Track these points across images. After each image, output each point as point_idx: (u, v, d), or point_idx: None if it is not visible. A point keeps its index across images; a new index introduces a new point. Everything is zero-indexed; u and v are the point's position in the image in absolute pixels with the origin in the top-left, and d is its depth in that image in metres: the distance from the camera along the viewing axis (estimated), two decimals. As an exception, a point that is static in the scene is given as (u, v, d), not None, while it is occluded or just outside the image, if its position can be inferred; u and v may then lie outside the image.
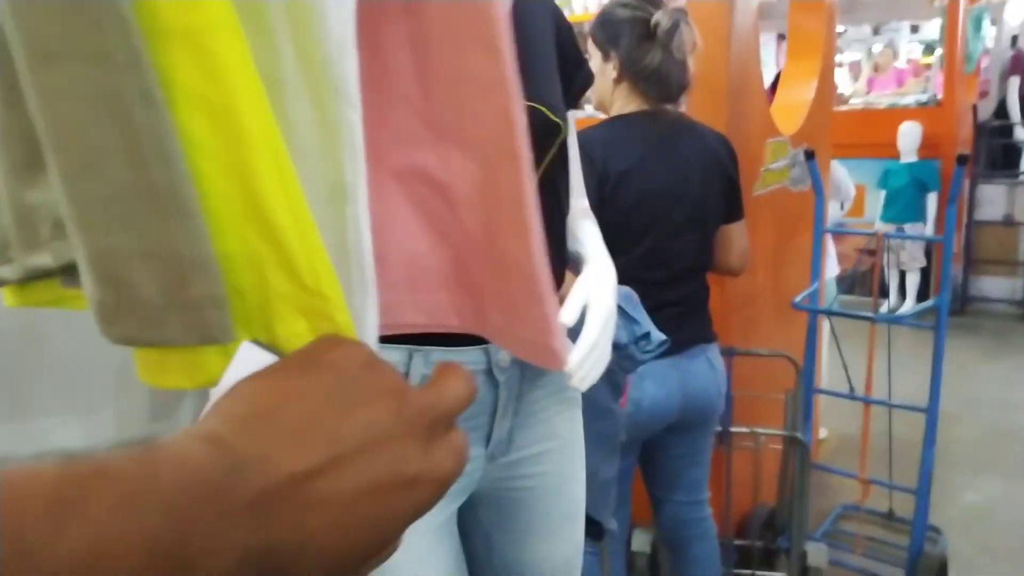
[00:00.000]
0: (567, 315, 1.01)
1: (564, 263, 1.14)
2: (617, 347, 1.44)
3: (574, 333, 1.05)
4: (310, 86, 0.41)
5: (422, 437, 0.38)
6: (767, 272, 2.61)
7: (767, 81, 3.79)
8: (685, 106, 1.98)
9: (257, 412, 0.35)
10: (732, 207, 1.95)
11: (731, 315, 2.37)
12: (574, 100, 1.18)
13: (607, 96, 1.88)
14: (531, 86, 1.04)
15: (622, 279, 1.77)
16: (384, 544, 0.37)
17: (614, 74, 1.84)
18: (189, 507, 0.31)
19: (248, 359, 0.40)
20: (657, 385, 1.80)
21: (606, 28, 1.84)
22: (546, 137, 1.03)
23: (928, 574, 2.38)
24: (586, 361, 1.00)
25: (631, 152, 1.79)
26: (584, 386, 1.01)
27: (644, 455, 1.99)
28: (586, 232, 1.19)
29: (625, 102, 1.86)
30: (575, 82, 1.16)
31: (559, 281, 1.12)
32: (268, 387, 0.37)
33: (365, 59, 0.45)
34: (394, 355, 1.00)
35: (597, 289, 1.06)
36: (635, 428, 1.80)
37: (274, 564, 0.33)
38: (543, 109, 1.01)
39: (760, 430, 2.30)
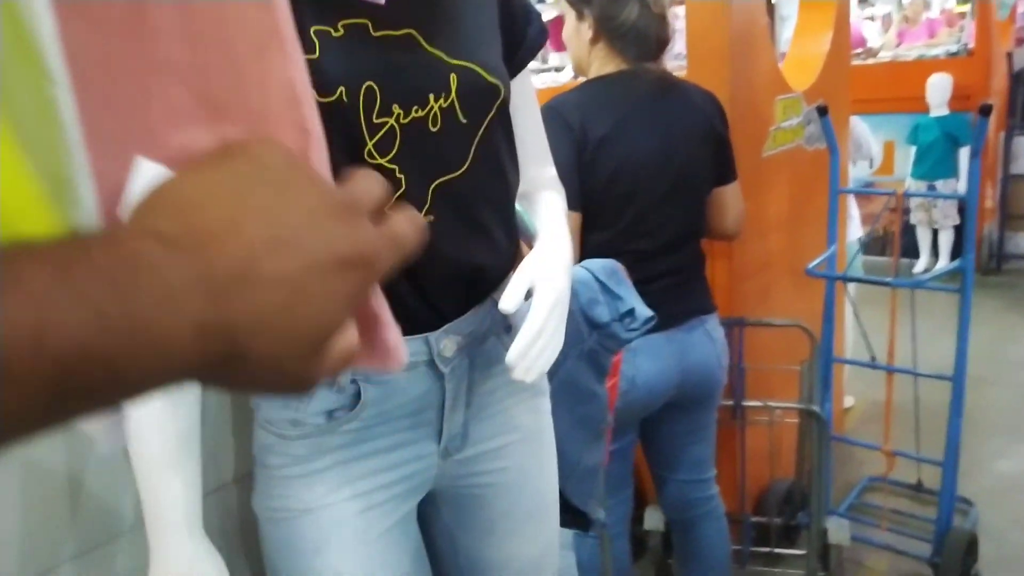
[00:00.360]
0: (506, 300, 0.91)
1: (513, 239, 1.04)
2: (599, 325, 1.34)
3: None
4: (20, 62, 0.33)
5: (349, 222, 0.39)
6: (781, 237, 2.48)
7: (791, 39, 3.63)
8: (670, 64, 1.86)
9: (188, 202, 0.35)
10: (724, 168, 1.83)
11: (742, 283, 2.26)
12: (526, 58, 1.07)
13: (584, 58, 1.77)
14: (463, 43, 0.93)
15: (607, 252, 1.68)
16: (331, 326, 0.38)
17: (589, 34, 1.73)
18: (129, 280, 0.31)
19: (148, 171, 0.39)
20: (651, 360, 1.70)
21: None
22: (482, 100, 0.93)
23: (958, 548, 2.25)
24: (530, 350, 0.90)
25: (610, 115, 1.67)
26: (529, 378, 0.91)
27: (644, 433, 1.89)
28: (543, 204, 1.09)
29: (603, 63, 1.74)
30: (525, 38, 1.05)
31: (509, 259, 1.02)
32: (194, 181, 0.36)
33: (118, 15, 0.36)
34: None
35: (544, 269, 0.96)
36: (631, 406, 1.70)
37: (233, 346, 0.34)
38: (477, 68, 0.91)
39: (774, 404, 2.19)
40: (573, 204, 1.62)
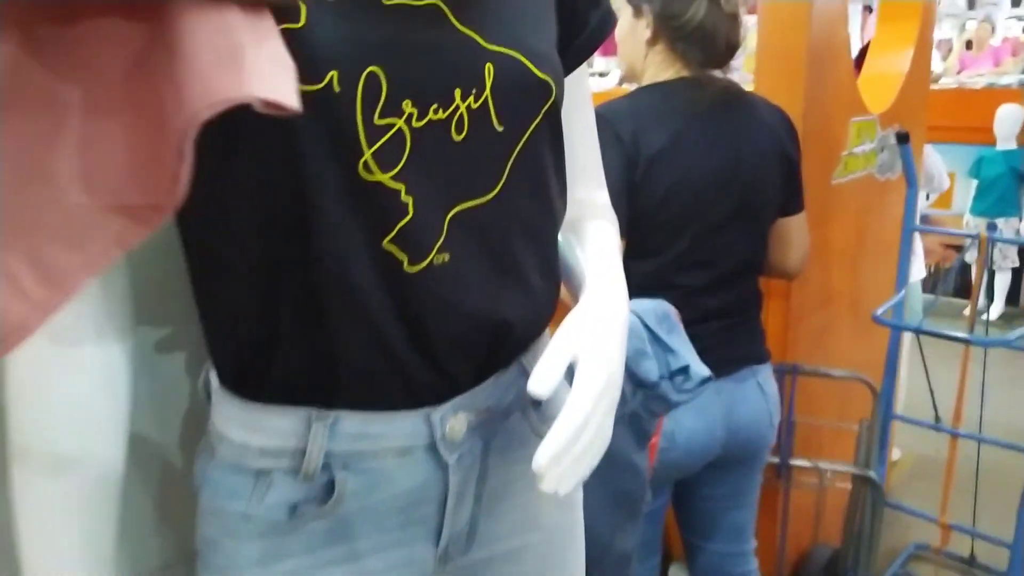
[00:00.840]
0: (537, 382, 0.65)
1: (553, 285, 0.80)
2: (646, 385, 1.10)
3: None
4: None
5: None
6: (843, 275, 2.22)
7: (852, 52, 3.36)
8: (738, 74, 1.61)
9: None
10: (791, 196, 1.58)
11: (796, 325, 2.00)
12: (587, 49, 0.83)
13: (638, 62, 1.52)
14: (507, 23, 0.66)
15: (652, 285, 1.42)
16: None
17: (647, 33, 1.47)
18: None
19: None
20: (695, 415, 1.45)
21: None
22: (527, 101, 0.69)
23: (1019, 640, 1.99)
24: (565, 455, 0.66)
25: (666, 128, 1.42)
26: (562, 490, 0.66)
27: (678, 494, 1.65)
28: (593, 239, 0.85)
29: (660, 68, 1.49)
30: (587, 24, 0.81)
31: (546, 311, 0.79)
32: None
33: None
34: (286, 421, 0.68)
35: (592, 336, 0.71)
36: (667, 466, 1.46)
37: None
38: (522, 58, 0.67)
39: (826, 465, 1.94)
40: (619, 230, 1.39)
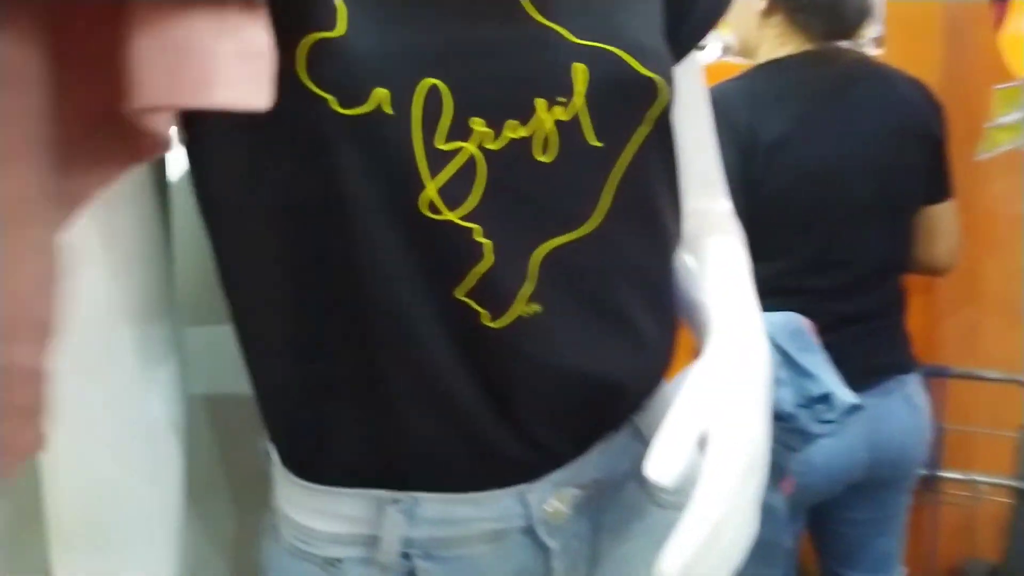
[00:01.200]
0: (659, 468, 0.51)
1: (670, 328, 0.66)
2: (781, 416, 0.95)
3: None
4: None
5: None
6: (994, 265, 1.99)
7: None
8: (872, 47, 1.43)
9: None
10: (937, 182, 1.40)
11: (943, 323, 1.81)
12: (699, 32, 0.69)
13: (752, 35, 1.35)
14: (600, 11, 0.53)
15: (777, 290, 1.22)
16: None
17: (762, 4, 1.31)
18: None
19: None
20: (835, 436, 1.29)
21: None
22: (630, 107, 0.56)
23: None
24: (698, 563, 0.51)
25: (788, 112, 1.26)
26: None
27: (816, 519, 1.48)
28: (718, 263, 0.70)
29: (778, 43, 1.32)
30: (694, 10, 0.67)
31: (662, 361, 0.65)
32: None
33: None
34: (356, 506, 0.57)
35: (727, 401, 0.56)
36: (803, 492, 1.30)
37: None
38: (621, 54, 0.54)
39: (980, 478, 1.73)
40: (738, 232, 1.24)
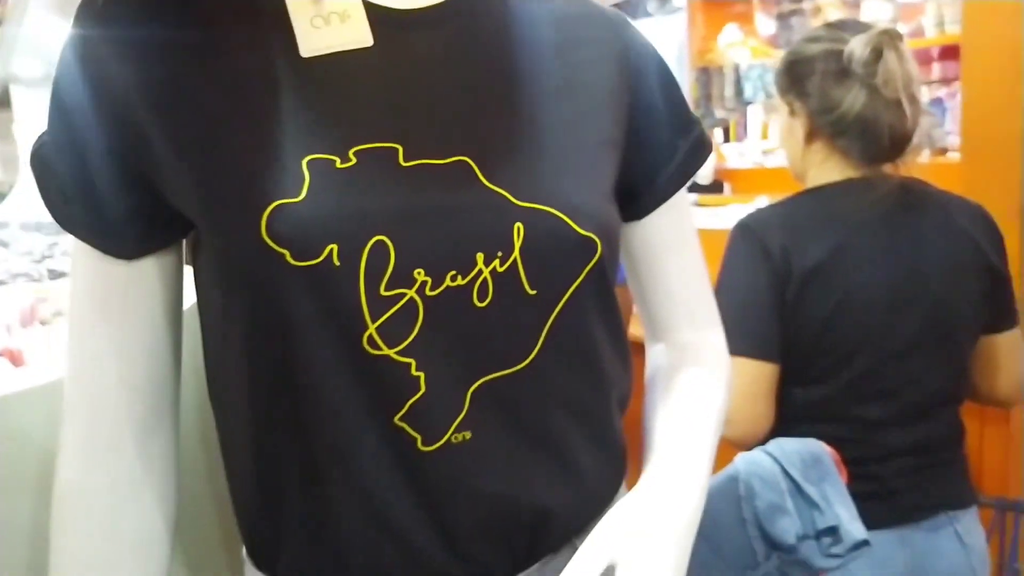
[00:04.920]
0: None
1: (614, 461, 0.70)
2: (782, 547, 0.94)
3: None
4: None
5: None
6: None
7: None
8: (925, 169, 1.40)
9: None
10: (999, 311, 1.35)
11: (1021, 453, 1.70)
12: (673, 185, 0.74)
13: (798, 162, 1.37)
14: (544, 174, 0.60)
15: (820, 416, 1.24)
16: None
17: (802, 131, 1.33)
18: None
19: None
20: (874, 570, 1.24)
21: (789, 72, 1.35)
22: (564, 262, 0.61)
23: None
24: None
25: (826, 238, 1.26)
26: None
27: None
28: (677, 399, 0.72)
29: (822, 168, 1.33)
30: (675, 155, 0.72)
31: (603, 493, 0.68)
32: None
33: None
34: None
35: (636, 538, 0.58)
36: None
37: None
38: (558, 214, 0.60)
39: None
40: (770, 353, 1.24)
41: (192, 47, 0.58)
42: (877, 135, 1.27)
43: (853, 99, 1.26)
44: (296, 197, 0.55)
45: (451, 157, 0.59)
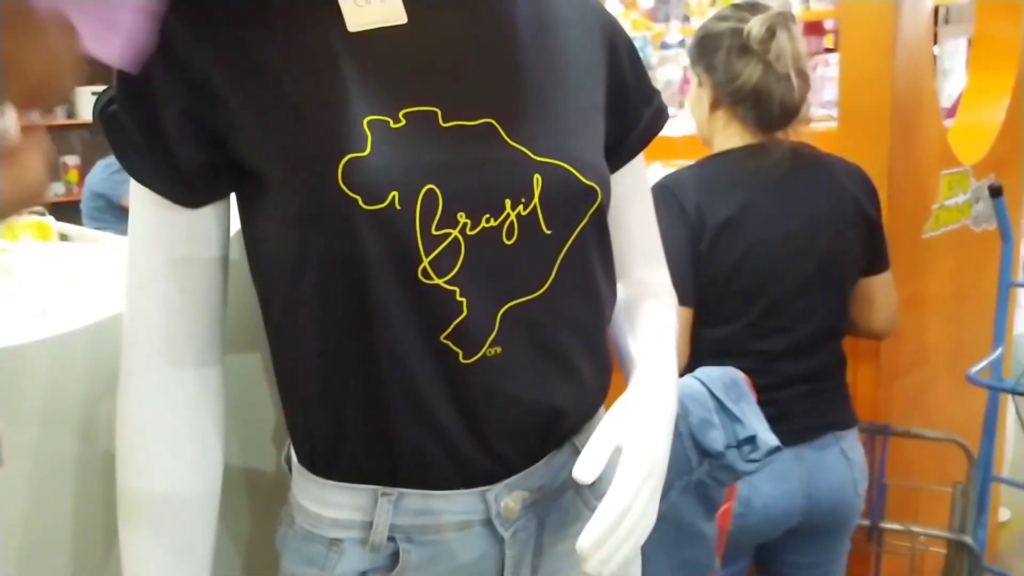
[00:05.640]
0: (581, 468, 0.68)
1: (603, 372, 0.83)
2: (712, 454, 1.11)
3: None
4: None
5: None
6: (940, 331, 2.15)
7: (954, 96, 3.28)
8: (818, 113, 1.60)
9: None
10: (874, 256, 1.56)
11: (889, 384, 1.95)
12: (638, 145, 0.87)
13: (705, 127, 1.55)
14: (554, 134, 0.72)
15: (727, 351, 1.42)
16: None
17: (708, 100, 1.51)
18: None
19: None
20: (773, 482, 1.43)
21: (700, 46, 1.52)
22: (573, 207, 0.74)
23: None
24: (610, 537, 0.68)
25: (733, 197, 1.44)
26: (606, 572, 0.69)
27: (760, 559, 1.62)
28: (646, 323, 0.87)
29: (726, 135, 1.51)
30: (639, 120, 0.85)
31: (597, 398, 0.82)
32: None
33: None
34: (355, 497, 0.73)
35: (636, 424, 0.73)
36: (745, 531, 1.44)
37: None
38: (567, 167, 0.72)
39: (919, 530, 1.87)
40: (685, 298, 1.40)
41: (259, 23, 0.67)
42: (769, 105, 1.45)
43: (750, 72, 1.44)
44: (363, 151, 0.65)
45: (480, 119, 0.70)
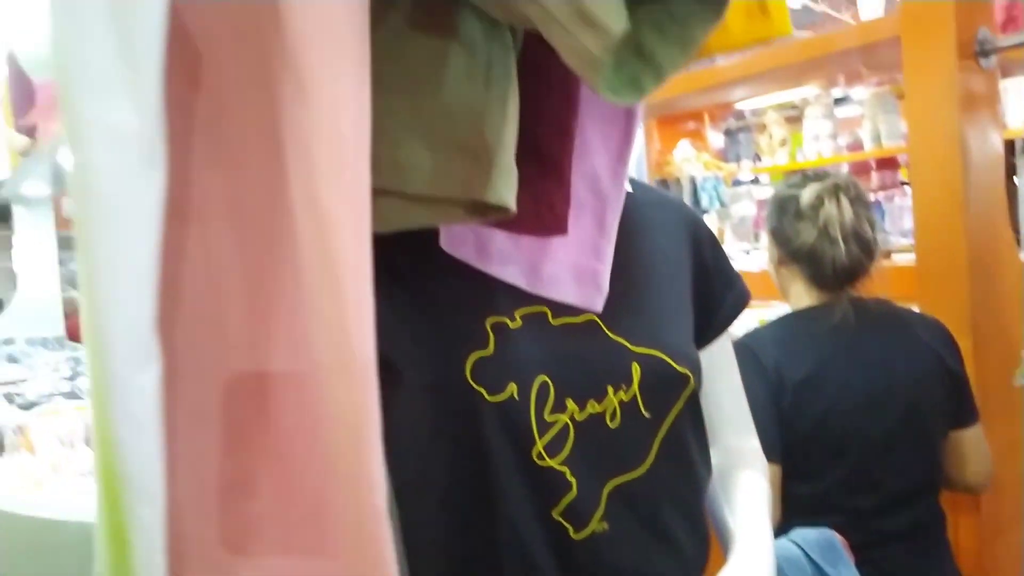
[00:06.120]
0: None
1: (703, 543, 0.86)
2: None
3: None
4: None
5: None
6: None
7: None
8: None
9: None
10: (961, 409, 1.56)
11: (993, 540, 1.87)
12: (723, 325, 0.94)
13: (776, 281, 1.65)
14: (648, 325, 0.81)
15: (818, 509, 1.42)
16: None
17: (775, 258, 1.61)
18: None
19: None
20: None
21: (770, 209, 1.64)
22: (669, 392, 0.80)
23: None
24: None
25: (809, 354, 1.49)
26: None
27: None
28: (742, 492, 0.91)
29: (795, 291, 1.60)
30: (722, 305, 0.93)
31: (698, 565, 0.84)
32: None
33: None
34: None
35: None
36: None
37: None
38: (663, 356, 0.79)
39: None
40: (772, 455, 1.41)
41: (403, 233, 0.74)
42: (823, 266, 1.53)
43: (805, 235, 1.53)
44: (487, 350, 0.74)
45: (584, 316, 0.79)
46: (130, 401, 0.37)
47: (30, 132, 2.18)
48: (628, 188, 0.88)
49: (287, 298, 0.43)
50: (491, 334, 0.75)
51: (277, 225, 0.42)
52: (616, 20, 0.51)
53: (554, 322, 0.77)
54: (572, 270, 0.75)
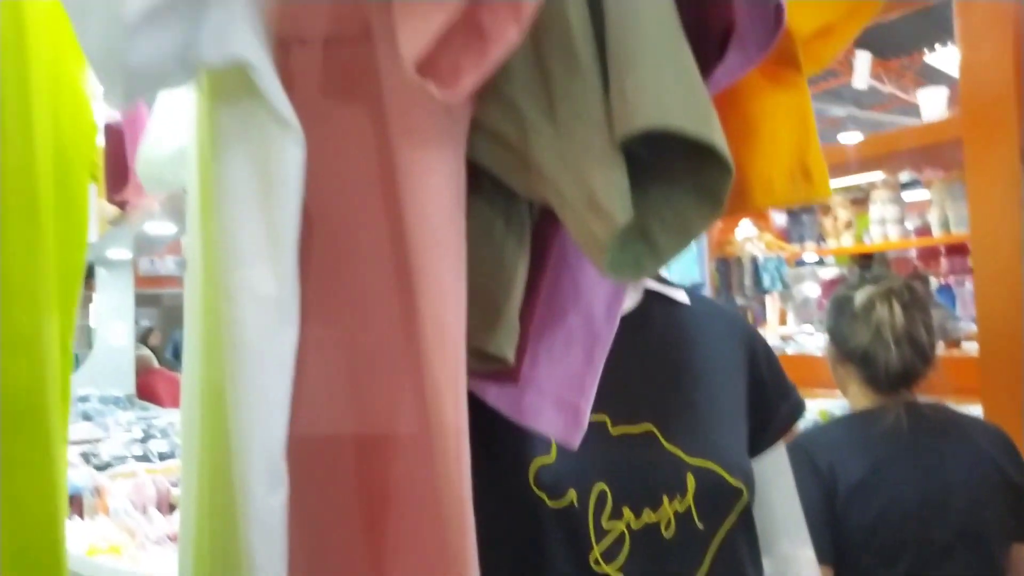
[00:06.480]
0: None
1: None
2: None
3: None
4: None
5: None
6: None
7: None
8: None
9: None
10: (1022, 522, 1.52)
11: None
12: (776, 435, 0.97)
13: (835, 378, 1.64)
14: (704, 437, 0.85)
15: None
16: None
17: (834, 356, 1.61)
18: None
19: None
20: None
21: (830, 308, 1.65)
22: (722, 504, 0.84)
23: None
24: None
25: (864, 458, 1.48)
26: None
27: None
28: None
29: (852, 391, 1.59)
30: (776, 415, 0.96)
31: None
32: None
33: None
34: None
35: None
36: None
37: None
38: (717, 469, 0.83)
39: None
40: (824, 557, 1.41)
41: None
42: (875, 369, 1.53)
43: (859, 338, 1.54)
44: (549, 458, 0.79)
45: (641, 426, 0.83)
46: (264, 517, 0.45)
47: (121, 205, 2.32)
48: (686, 300, 0.95)
49: None
50: (553, 442, 0.79)
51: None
52: (622, 210, 0.57)
53: (613, 431, 0.82)
54: (555, 403, 0.75)
